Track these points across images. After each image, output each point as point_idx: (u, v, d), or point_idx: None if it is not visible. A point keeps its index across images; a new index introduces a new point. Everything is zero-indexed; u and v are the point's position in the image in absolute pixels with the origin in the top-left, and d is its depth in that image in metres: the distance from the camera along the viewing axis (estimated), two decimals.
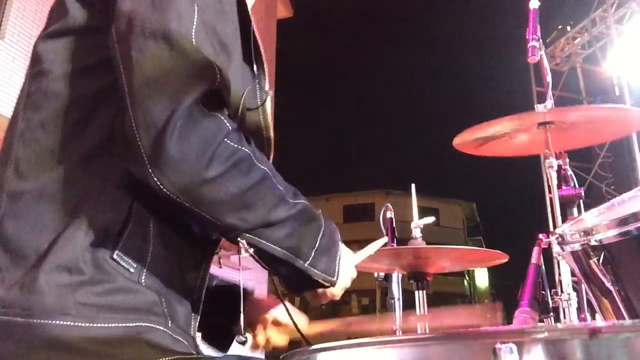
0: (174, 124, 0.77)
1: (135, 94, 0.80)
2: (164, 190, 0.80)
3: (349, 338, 0.74)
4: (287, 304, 1.17)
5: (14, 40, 7.27)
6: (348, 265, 0.99)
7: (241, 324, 1.02)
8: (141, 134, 0.78)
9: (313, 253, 0.90)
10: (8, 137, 0.94)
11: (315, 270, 0.90)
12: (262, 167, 0.87)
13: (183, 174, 0.78)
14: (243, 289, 1.18)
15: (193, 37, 0.82)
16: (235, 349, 1.12)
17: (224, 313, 1.11)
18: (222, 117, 0.84)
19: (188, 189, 0.80)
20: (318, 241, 0.91)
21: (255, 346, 1.19)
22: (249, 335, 1.08)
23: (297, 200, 0.90)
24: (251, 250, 0.90)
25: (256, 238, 0.86)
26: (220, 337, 1.15)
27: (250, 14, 0.99)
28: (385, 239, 1.15)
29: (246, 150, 0.85)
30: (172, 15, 0.82)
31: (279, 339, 1.19)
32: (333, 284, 0.94)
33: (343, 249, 0.97)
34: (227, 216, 0.84)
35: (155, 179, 0.79)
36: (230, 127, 0.84)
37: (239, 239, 0.87)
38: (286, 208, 0.87)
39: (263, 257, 0.90)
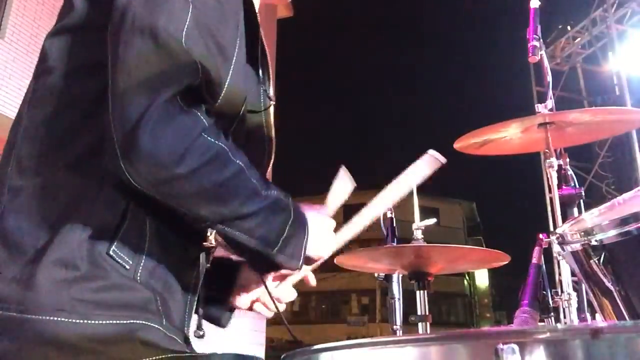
0: (148, 118, 0.78)
1: (116, 87, 0.81)
2: (134, 184, 0.81)
3: (349, 338, 0.74)
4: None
5: (14, 40, 7.26)
6: (323, 237, 1.01)
7: (200, 318, 1.05)
8: (116, 127, 0.79)
9: (281, 241, 0.91)
10: (13, 133, 0.95)
11: (282, 256, 0.92)
12: (237, 161, 0.88)
13: (154, 168, 0.79)
14: (232, 260, 1.19)
15: (183, 36, 0.83)
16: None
17: (217, 286, 1.13)
18: (199, 113, 0.85)
19: (159, 183, 0.81)
20: (286, 229, 0.92)
21: (249, 306, 1.20)
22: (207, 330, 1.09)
23: (269, 191, 0.91)
24: (220, 239, 0.93)
25: (226, 229, 0.88)
26: (216, 310, 1.17)
27: (258, 19, 1.00)
28: (352, 186, 1.15)
29: (222, 145, 0.86)
30: (163, 13, 0.83)
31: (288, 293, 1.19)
32: (298, 268, 0.97)
33: (314, 228, 0.98)
34: (199, 209, 0.85)
35: (126, 172, 0.80)
36: (207, 123, 0.85)
37: (209, 229, 0.90)
38: (258, 201, 0.89)
39: (232, 244, 0.92)
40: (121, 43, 0.83)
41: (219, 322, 1.18)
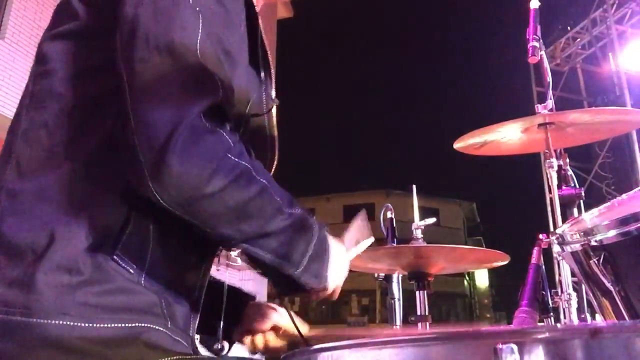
0: (177, 139, 0.77)
1: (138, 106, 0.80)
2: (163, 203, 0.80)
3: (348, 338, 0.74)
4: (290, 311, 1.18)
5: (14, 40, 7.27)
6: (340, 265, 1.00)
7: (220, 331, 1.04)
8: (143, 148, 0.78)
9: (305, 261, 0.90)
10: (10, 136, 0.94)
11: (306, 277, 0.91)
12: (261, 179, 0.87)
13: (183, 189, 0.79)
14: (245, 293, 1.20)
15: (197, 48, 0.82)
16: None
17: (213, 312, 1.11)
18: (224, 132, 0.84)
19: (186, 203, 0.80)
20: (310, 249, 0.91)
21: (253, 349, 1.20)
22: (225, 344, 1.08)
23: (293, 209, 0.91)
24: (244, 256, 0.92)
25: (250, 247, 0.87)
26: (209, 336, 1.15)
27: (259, 22, 1.00)
28: (371, 239, 1.14)
29: (246, 164, 0.85)
30: (176, 26, 0.83)
31: (277, 343, 1.20)
32: (323, 290, 0.95)
33: (334, 252, 0.98)
34: (223, 228, 0.85)
35: (155, 193, 0.79)
36: (231, 142, 0.84)
37: (233, 247, 0.89)
38: (281, 218, 0.88)
39: (256, 263, 0.92)
40: (137, 60, 0.82)
41: (207, 347, 1.16)
